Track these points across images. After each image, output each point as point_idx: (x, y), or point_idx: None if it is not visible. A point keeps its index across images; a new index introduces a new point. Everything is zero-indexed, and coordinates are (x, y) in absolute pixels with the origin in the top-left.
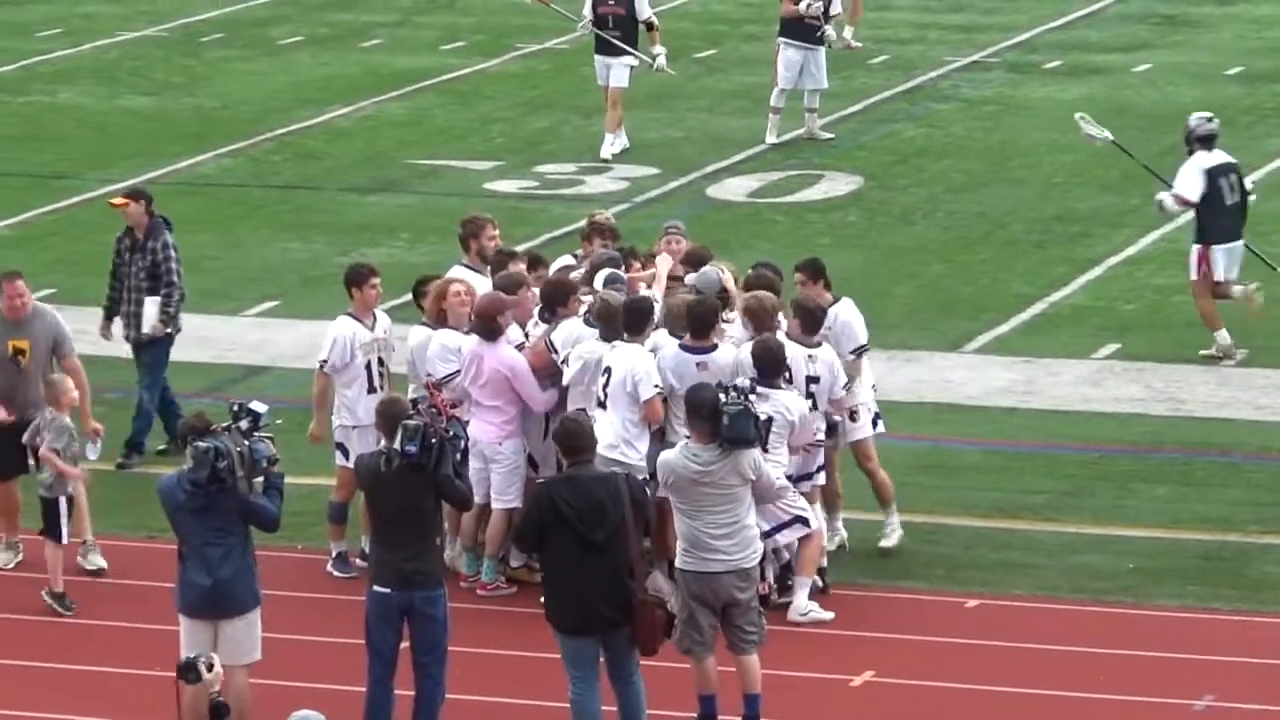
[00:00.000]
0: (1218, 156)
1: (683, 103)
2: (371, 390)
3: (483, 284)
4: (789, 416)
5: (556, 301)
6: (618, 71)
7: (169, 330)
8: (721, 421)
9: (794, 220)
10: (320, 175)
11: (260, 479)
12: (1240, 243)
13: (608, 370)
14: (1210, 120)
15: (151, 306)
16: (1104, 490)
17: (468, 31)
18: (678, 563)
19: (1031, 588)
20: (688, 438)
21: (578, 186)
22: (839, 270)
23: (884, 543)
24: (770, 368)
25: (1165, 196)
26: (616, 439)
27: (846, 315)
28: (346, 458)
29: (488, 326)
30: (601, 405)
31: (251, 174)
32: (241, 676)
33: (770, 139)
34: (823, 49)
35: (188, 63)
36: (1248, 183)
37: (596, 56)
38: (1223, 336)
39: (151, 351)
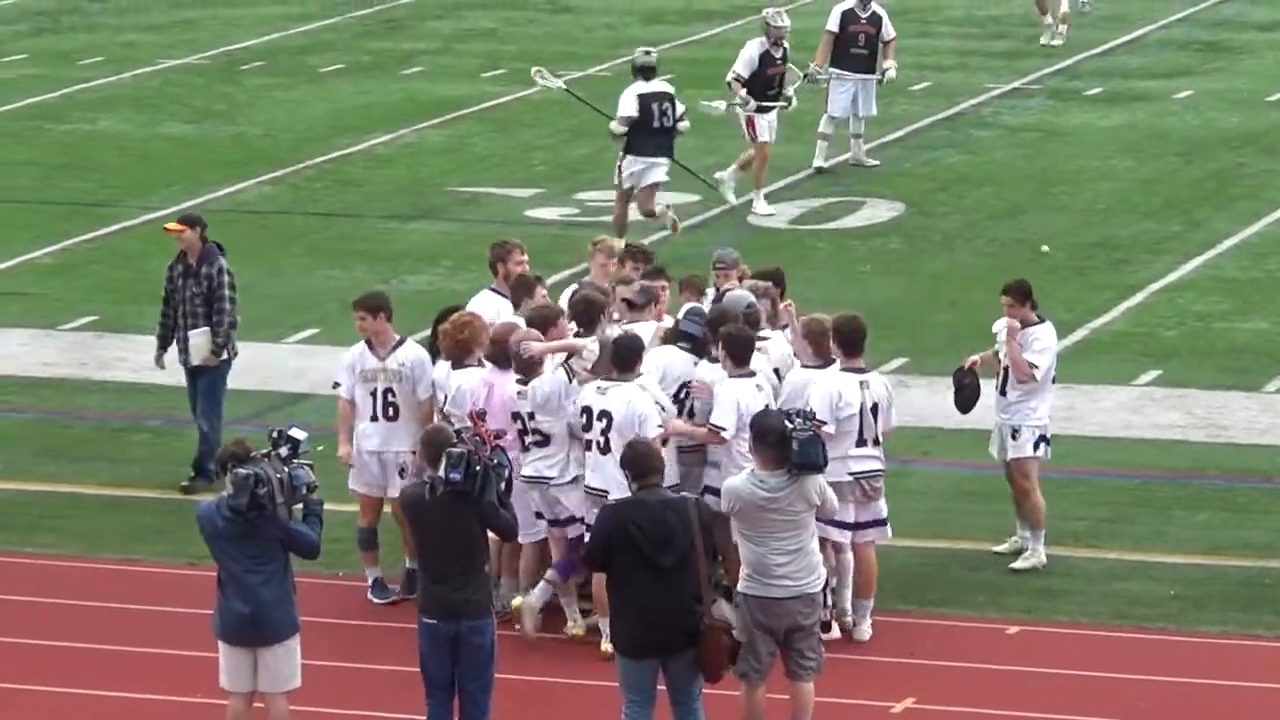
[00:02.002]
0: (654, 85)
1: (723, 129)
2: (373, 419)
3: (510, 310)
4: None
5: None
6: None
7: (222, 358)
8: (791, 447)
9: (835, 247)
10: (361, 203)
11: (300, 506)
12: (665, 160)
13: (604, 415)
14: (649, 54)
15: (200, 337)
16: (1145, 517)
17: (509, 59)
18: (741, 587)
19: (1073, 615)
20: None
21: None
22: (879, 297)
23: (1018, 564)
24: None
25: (613, 124)
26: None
27: (1046, 340)
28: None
29: (502, 354)
30: (603, 449)
31: (292, 201)
32: (281, 704)
33: (818, 163)
34: (874, 79)
35: (228, 90)
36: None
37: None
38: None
39: (208, 377)
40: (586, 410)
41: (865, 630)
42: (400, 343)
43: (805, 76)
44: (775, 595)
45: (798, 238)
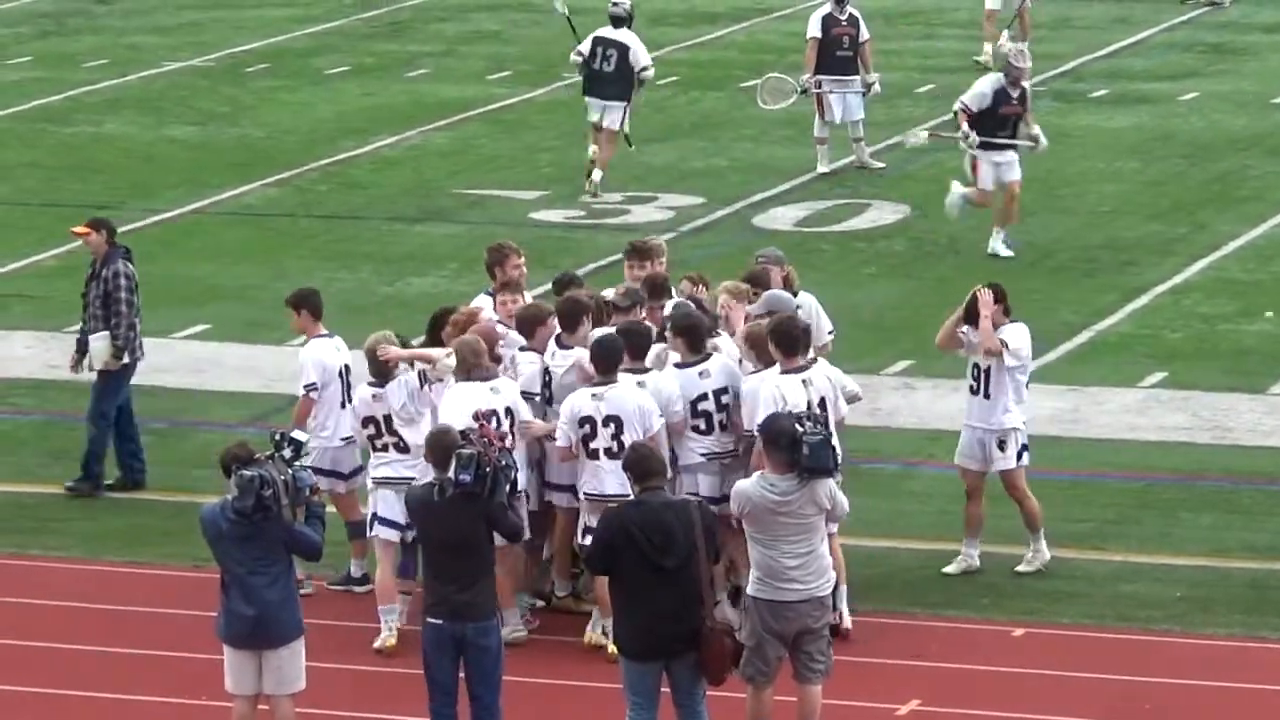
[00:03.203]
0: (610, 32)
1: (728, 131)
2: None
3: None
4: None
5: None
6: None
7: (124, 361)
8: (802, 451)
9: (841, 249)
10: (366, 205)
11: (302, 508)
12: (606, 102)
13: (611, 420)
14: (616, 4)
15: (100, 341)
16: (1150, 519)
17: (514, 61)
18: (750, 591)
19: (1078, 616)
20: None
21: (623, 216)
22: (885, 299)
23: (1022, 566)
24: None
25: (572, 54)
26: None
27: (1020, 334)
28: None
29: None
30: (614, 454)
31: (297, 204)
32: (287, 706)
33: (822, 169)
34: (856, 79)
35: (233, 93)
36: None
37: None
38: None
39: (104, 382)
40: (588, 420)
41: (845, 618)
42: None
43: (803, 90)
44: (785, 599)
45: (803, 239)
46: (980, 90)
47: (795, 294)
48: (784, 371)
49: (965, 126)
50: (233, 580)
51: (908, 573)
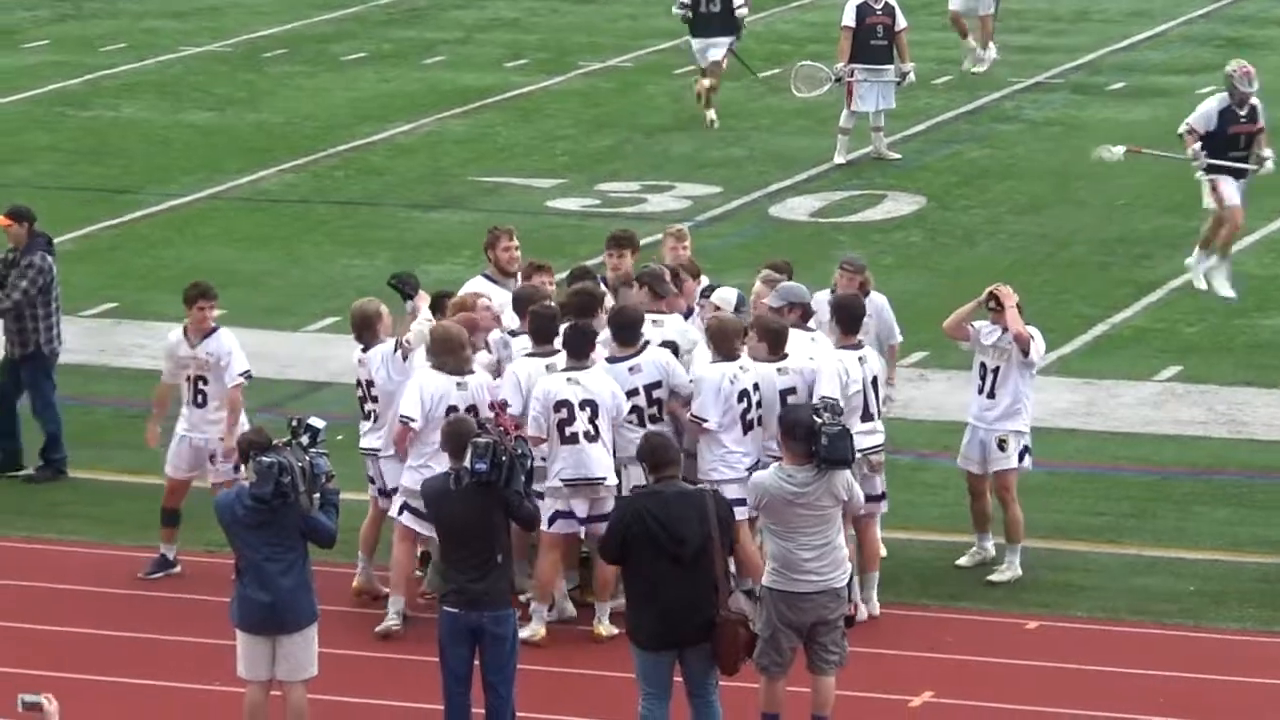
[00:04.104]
0: None
1: (746, 121)
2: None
3: (501, 295)
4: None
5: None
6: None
7: (29, 350)
8: (820, 442)
9: (857, 240)
10: (382, 191)
11: (318, 495)
12: (715, 39)
13: (587, 404)
14: None
15: None
16: (1165, 512)
17: (531, 49)
18: (766, 582)
19: (1092, 609)
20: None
21: (640, 205)
22: (901, 290)
23: (995, 576)
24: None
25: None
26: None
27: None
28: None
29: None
30: (590, 438)
31: (314, 190)
32: (299, 692)
33: (839, 159)
34: (890, 68)
35: (250, 78)
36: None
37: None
38: None
39: (32, 372)
40: (564, 404)
41: (874, 606)
42: (212, 331)
43: (836, 79)
44: (802, 590)
45: (819, 230)
46: (1206, 111)
47: (867, 295)
48: (842, 347)
49: (1195, 147)
50: (248, 566)
51: (921, 565)
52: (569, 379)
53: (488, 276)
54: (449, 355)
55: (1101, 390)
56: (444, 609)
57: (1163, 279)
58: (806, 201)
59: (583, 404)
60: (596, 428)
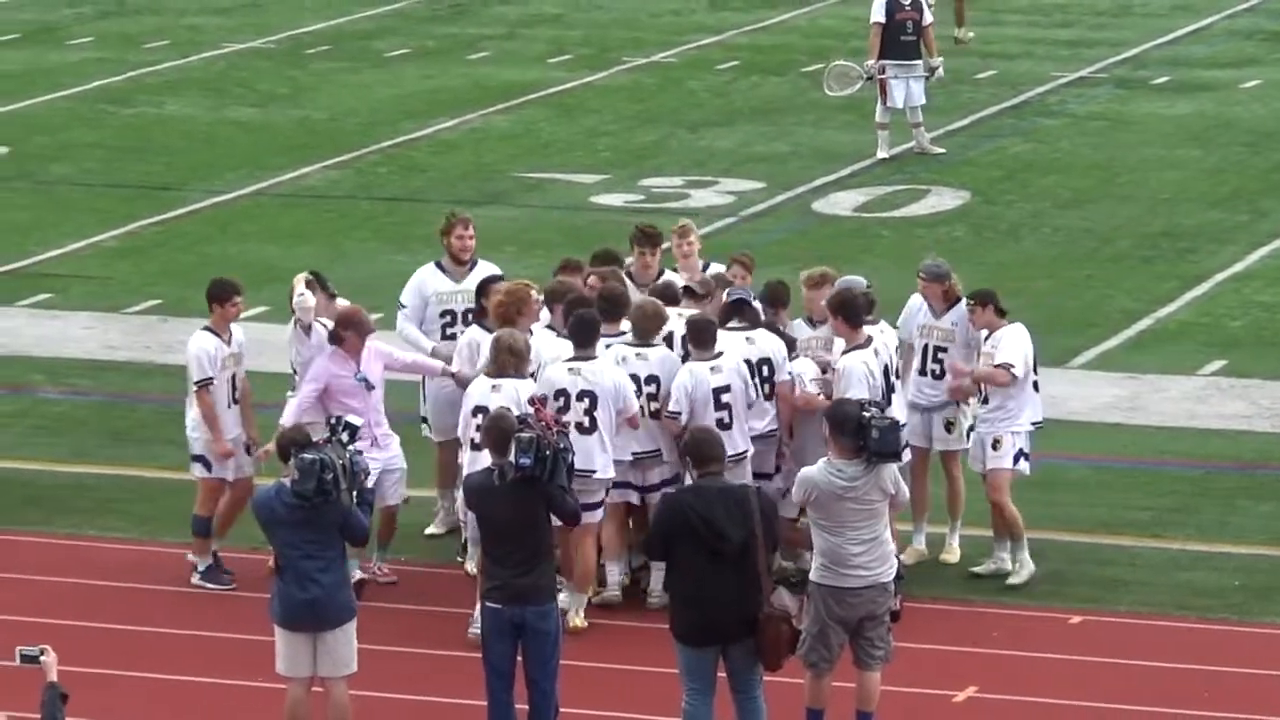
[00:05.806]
0: None
1: (789, 117)
2: (231, 404)
3: (446, 284)
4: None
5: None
6: None
7: None
8: (870, 435)
9: (900, 235)
10: (425, 187)
11: (356, 492)
12: None
13: (585, 394)
14: None
15: None
16: (1209, 507)
17: (575, 45)
18: (814, 577)
19: (1136, 604)
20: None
21: (684, 200)
22: None
23: (1013, 579)
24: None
25: None
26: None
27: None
28: (208, 470)
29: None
30: (586, 429)
31: (357, 186)
32: (341, 688)
33: (882, 154)
34: (919, 63)
35: (294, 74)
36: None
37: None
38: None
39: None
40: (562, 393)
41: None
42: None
43: (868, 77)
44: (850, 585)
45: (862, 225)
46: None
47: (956, 302)
48: (856, 347)
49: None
50: (288, 564)
51: (965, 560)
52: (570, 369)
53: (439, 265)
54: (517, 360)
55: (1145, 384)
56: (486, 604)
57: (1207, 273)
58: (850, 196)
59: (580, 394)
60: (593, 419)
